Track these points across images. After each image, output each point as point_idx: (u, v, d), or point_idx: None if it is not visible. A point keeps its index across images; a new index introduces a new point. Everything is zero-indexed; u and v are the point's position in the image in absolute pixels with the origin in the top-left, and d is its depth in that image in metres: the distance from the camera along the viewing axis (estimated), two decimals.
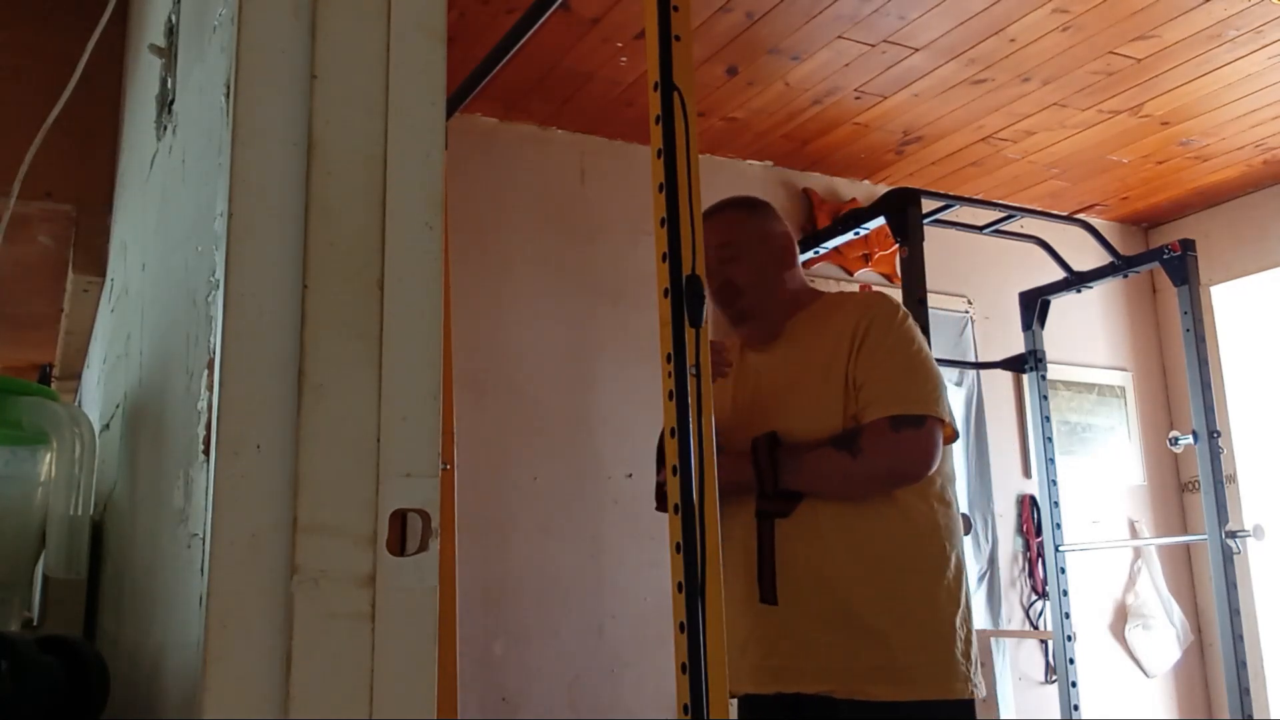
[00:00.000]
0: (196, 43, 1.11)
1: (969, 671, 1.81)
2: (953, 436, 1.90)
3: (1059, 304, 3.70)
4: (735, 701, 1.95)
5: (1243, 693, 2.98)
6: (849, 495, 1.83)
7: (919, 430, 1.80)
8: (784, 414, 1.91)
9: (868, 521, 1.83)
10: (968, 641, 1.84)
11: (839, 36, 3.11)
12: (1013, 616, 4.07)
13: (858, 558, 1.81)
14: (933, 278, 2.77)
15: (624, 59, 3.19)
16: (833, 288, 3.98)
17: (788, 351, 2.00)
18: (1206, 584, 4.21)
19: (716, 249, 1.99)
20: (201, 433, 0.84)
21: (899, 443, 1.80)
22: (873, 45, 3.16)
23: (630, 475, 3.48)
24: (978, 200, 3.84)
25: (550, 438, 3.43)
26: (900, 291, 2.79)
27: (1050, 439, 3.60)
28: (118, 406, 1.57)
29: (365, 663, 0.78)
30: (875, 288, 4.07)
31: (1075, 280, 3.53)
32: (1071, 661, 3.40)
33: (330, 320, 0.82)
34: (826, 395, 1.87)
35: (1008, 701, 3.83)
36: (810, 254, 3.37)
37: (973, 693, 1.81)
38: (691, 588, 1.38)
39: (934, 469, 1.83)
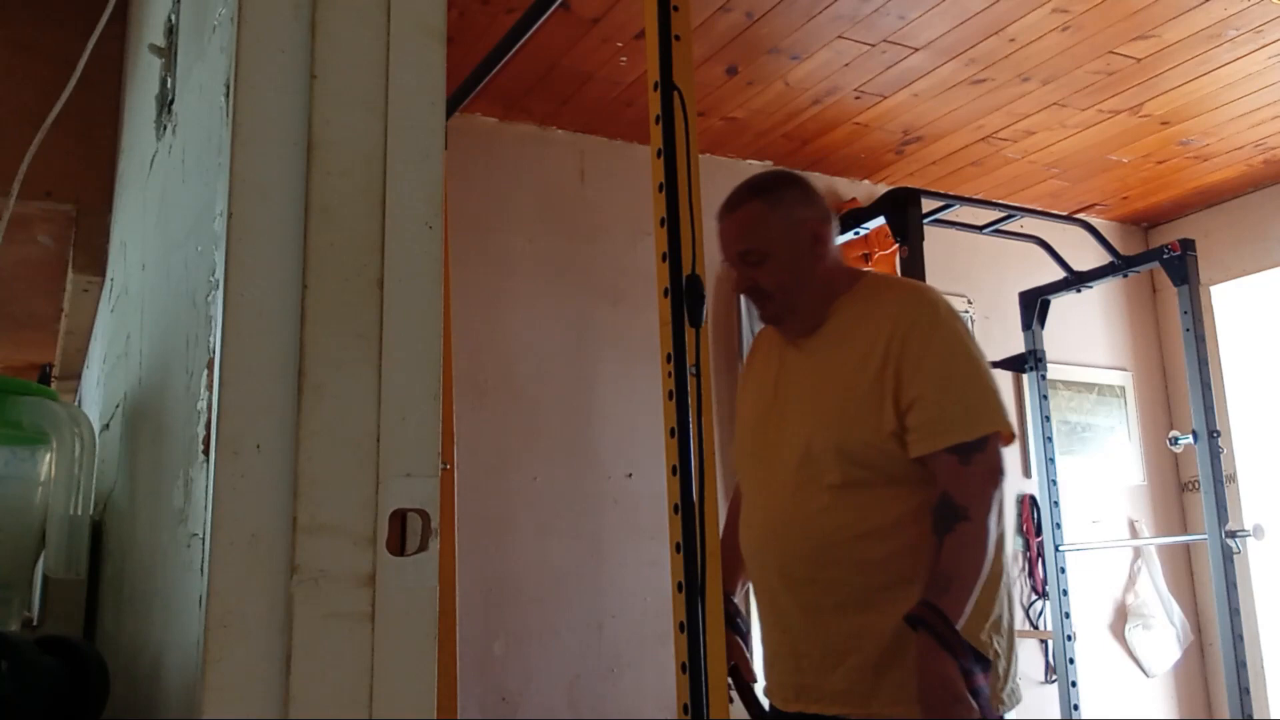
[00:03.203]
0: (196, 42, 1.11)
1: (999, 689, 1.75)
2: (1011, 439, 1.82)
3: (1059, 304, 3.70)
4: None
5: (1243, 693, 2.98)
6: (989, 554, 1.73)
7: (985, 453, 1.74)
8: (815, 423, 1.83)
9: (894, 540, 1.76)
10: (998, 655, 1.77)
11: (839, 36, 3.11)
12: None
13: (881, 573, 1.75)
14: (933, 278, 2.76)
15: (624, 59, 3.19)
16: None
17: (825, 352, 1.89)
18: (1206, 584, 4.21)
19: (739, 254, 1.90)
20: (201, 433, 0.84)
21: (977, 472, 1.73)
22: (873, 45, 3.16)
23: (630, 475, 3.48)
24: (978, 200, 3.84)
25: (550, 438, 3.43)
26: None
27: (1050, 439, 3.60)
28: (118, 406, 1.57)
29: (365, 663, 0.78)
30: None
31: (1075, 280, 3.53)
32: (1071, 661, 3.40)
33: (330, 320, 0.82)
34: (870, 411, 1.77)
35: None
36: None
37: (1001, 711, 1.75)
38: (691, 588, 1.38)
39: (1005, 472, 1.78)
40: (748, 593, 2.08)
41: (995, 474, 1.75)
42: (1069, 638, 3.42)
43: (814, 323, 1.91)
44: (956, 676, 1.59)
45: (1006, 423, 1.80)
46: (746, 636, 1.99)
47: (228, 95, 0.85)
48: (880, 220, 2.92)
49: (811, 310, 1.90)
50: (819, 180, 4.11)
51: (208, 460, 0.80)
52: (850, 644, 1.75)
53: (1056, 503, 3.55)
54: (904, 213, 2.78)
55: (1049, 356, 3.67)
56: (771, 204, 1.89)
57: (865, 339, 1.82)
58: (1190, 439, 3.18)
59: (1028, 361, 3.62)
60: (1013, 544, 4.15)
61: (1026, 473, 4.21)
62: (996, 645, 1.78)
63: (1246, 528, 3.11)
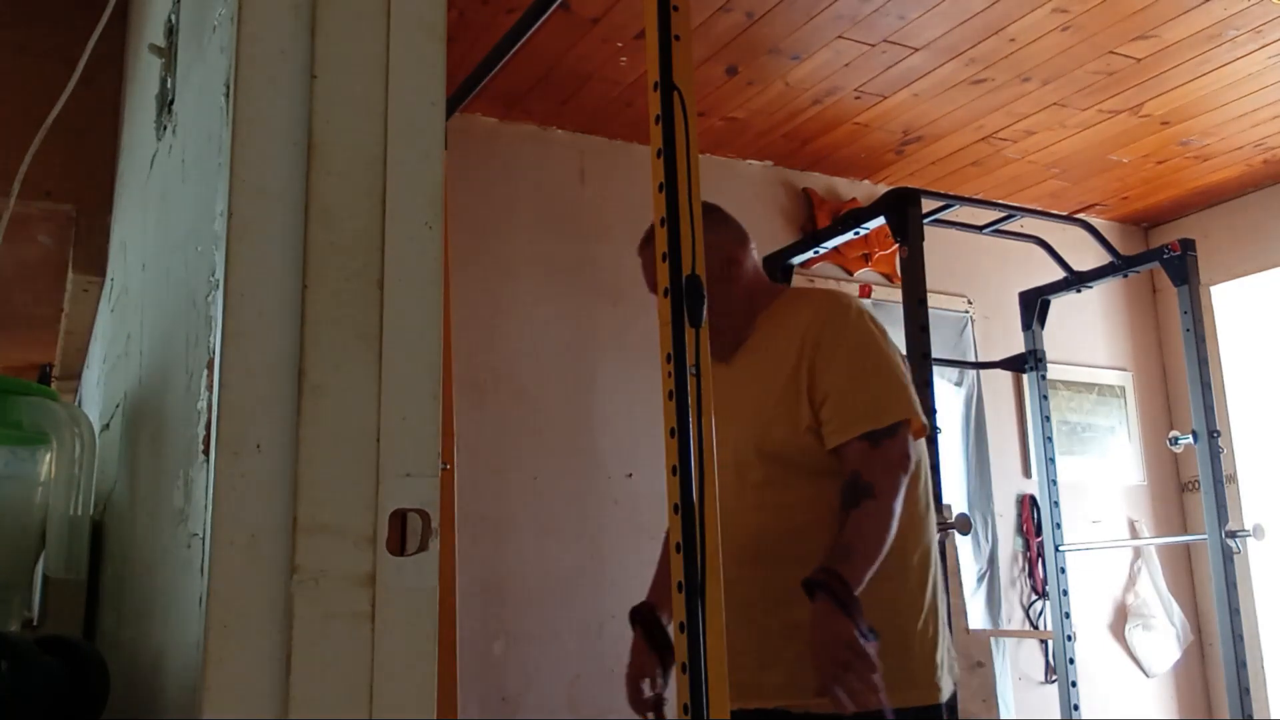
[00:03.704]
0: (196, 42, 1.11)
1: (935, 677, 1.80)
2: (922, 431, 1.88)
3: (1059, 304, 3.70)
4: None
5: (1243, 693, 2.98)
6: (892, 532, 1.76)
7: (895, 439, 1.80)
8: (739, 428, 1.89)
9: (819, 534, 1.78)
10: (933, 643, 1.82)
11: (839, 36, 3.11)
12: (1013, 616, 4.07)
13: (809, 568, 1.73)
14: (933, 278, 2.76)
15: (624, 59, 3.19)
16: (832, 287, 3.98)
17: (748, 364, 1.97)
18: (1206, 584, 4.21)
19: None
20: (201, 433, 0.84)
21: (886, 455, 1.78)
22: (873, 45, 3.16)
23: (630, 475, 3.48)
24: (978, 200, 3.84)
25: (550, 438, 3.42)
26: (900, 291, 2.79)
27: (1050, 439, 3.60)
28: (118, 406, 1.57)
29: (365, 663, 0.78)
30: (875, 287, 4.07)
31: (1075, 280, 3.53)
32: (1071, 661, 3.40)
33: (330, 320, 0.82)
34: (786, 409, 1.85)
35: (1008, 701, 3.83)
36: (810, 254, 3.36)
37: (939, 697, 1.79)
38: (691, 588, 1.38)
39: (913, 460, 1.83)
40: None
41: (904, 458, 1.80)
42: (1069, 638, 3.42)
43: (738, 340, 1.98)
44: (855, 637, 1.61)
45: (917, 414, 1.85)
46: (669, 652, 1.96)
47: (228, 95, 0.85)
48: (880, 220, 2.92)
49: (734, 330, 1.98)
50: (819, 180, 4.11)
51: (208, 460, 0.80)
52: (784, 640, 1.77)
53: (1056, 503, 3.55)
54: (904, 213, 2.78)
55: (1049, 356, 3.67)
56: None
57: (783, 345, 1.89)
58: (1190, 439, 3.18)
59: (1028, 361, 3.62)
60: (1013, 544, 4.15)
61: (1026, 473, 4.22)
62: (931, 633, 1.82)
63: (1246, 528, 3.11)
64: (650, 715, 1.91)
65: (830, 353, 1.85)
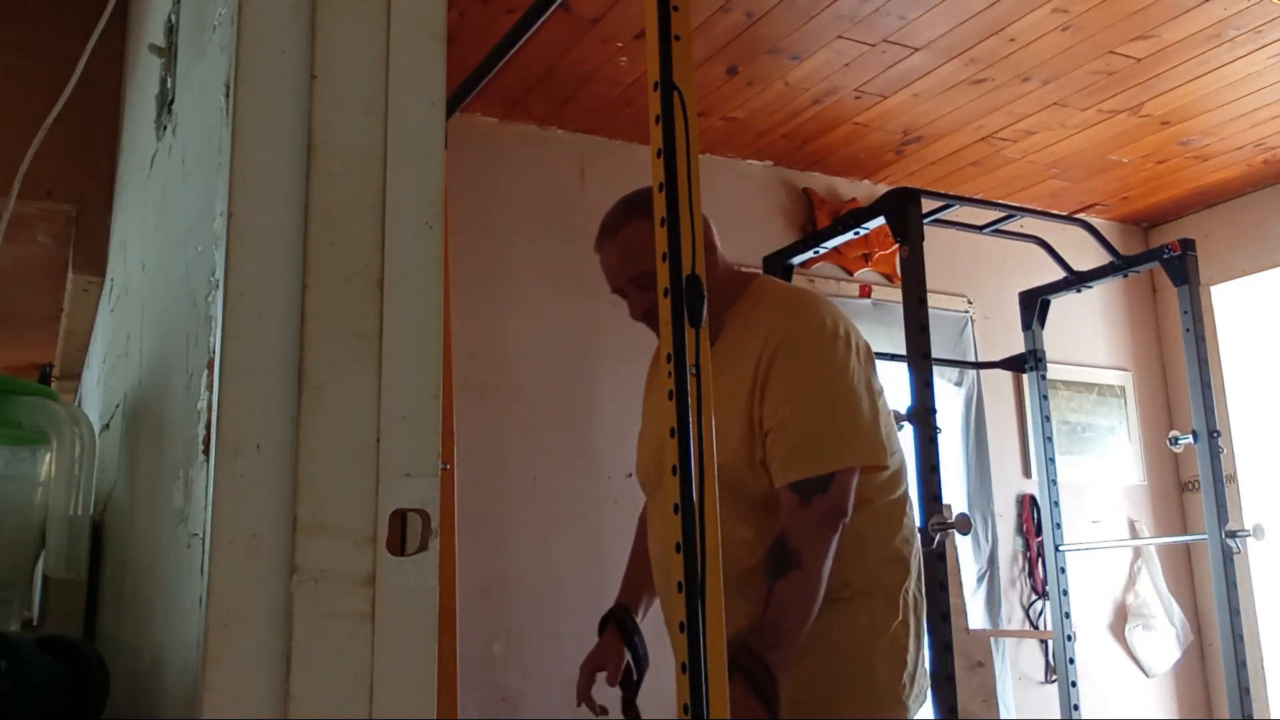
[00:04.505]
0: (196, 42, 1.11)
1: (904, 698, 1.74)
2: (878, 469, 1.73)
3: (1059, 304, 3.70)
4: None
5: (1243, 693, 2.98)
6: (819, 601, 1.66)
7: (828, 494, 1.66)
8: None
9: (757, 553, 1.70)
10: (900, 664, 1.75)
11: (839, 36, 3.10)
12: (1013, 616, 4.07)
13: (749, 584, 1.68)
14: (933, 278, 2.76)
15: (624, 59, 3.19)
16: (833, 288, 3.98)
17: (715, 372, 1.80)
18: (1206, 584, 4.21)
19: (633, 279, 1.81)
20: (201, 433, 0.84)
21: (815, 515, 1.65)
22: (873, 45, 3.16)
23: (630, 475, 3.47)
24: (978, 200, 3.83)
25: (550, 438, 3.42)
26: (900, 291, 2.79)
27: (1050, 439, 3.59)
28: (118, 406, 1.56)
29: (365, 663, 0.78)
30: (875, 287, 4.07)
31: (1075, 280, 3.53)
32: (1071, 661, 3.40)
33: (330, 320, 0.82)
34: (742, 438, 1.72)
35: (1007, 701, 3.83)
36: (810, 254, 3.36)
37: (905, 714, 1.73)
38: (691, 588, 1.38)
39: (849, 510, 1.70)
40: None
41: (834, 516, 1.67)
42: (1069, 638, 3.42)
43: (710, 337, 1.87)
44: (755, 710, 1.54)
45: (864, 455, 1.71)
46: (642, 657, 1.93)
47: (228, 95, 0.85)
48: (880, 220, 2.91)
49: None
50: (819, 180, 4.11)
51: (208, 460, 0.80)
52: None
53: (1056, 503, 3.55)
54: (904, 213, 2.78)
55: (1049, 356, 3.67)
56: (652, 219, 1.79)
57: (744, 358, 1.75)
58: (1190, 439, 3.18)
59: (1028, 361, 3.62)
60: (1013, 544, 4.15)
61: (1026, 472, 4.22)
62: (900, 654, 1.76)
63: (1246, 528, 3.11)
64: (598, 708, 1.85)
65: (780, 378, 1.70)
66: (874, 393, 1.78)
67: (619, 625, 1.96)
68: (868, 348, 1.85)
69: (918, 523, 2.31)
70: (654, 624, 3.08)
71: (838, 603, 1.73)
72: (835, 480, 1.67)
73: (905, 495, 1.87)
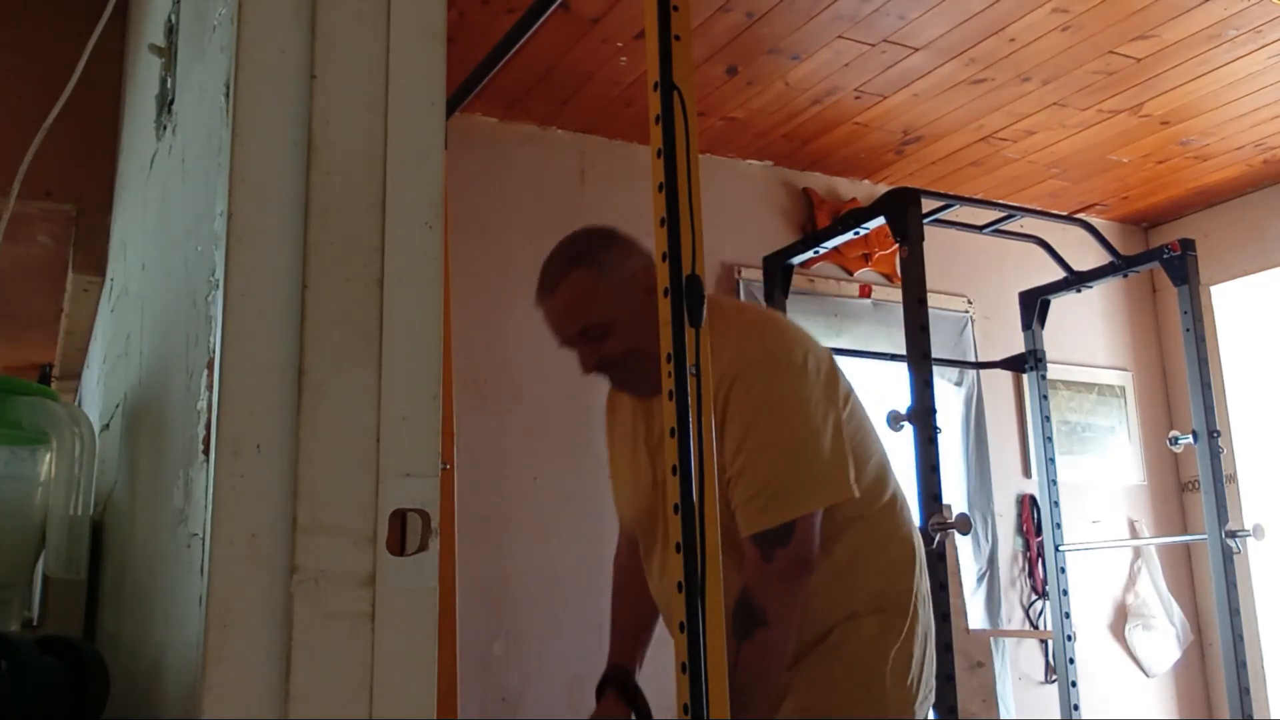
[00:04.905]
0: (196, 42, 1.11)
1: (913, 702, 1.72)
2: (845, 501, 1.67)
3: (1059, 304, 3.70)
4: None
5: (1243, 693, 2.98)
6: (789, 653, 1.64)
7: (789, 546, 1.60)
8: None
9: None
10: (907, 669, 1.72)
11: (839, 36, 3.10)
12: (1013, 616, 4.07)
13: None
14: (933, 278, 2.76)
15: (624, 59, 3.19)
16: (833, 288, 3.98)
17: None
18: (1206, 584, 4.21)
19: (579, 332, 1.74)
20: (201, 433, 0.84)
21: (778, 570, 1.60)
22: (873, 45, 3.16)
23: None
24: (978, 200, 3.83)
25: (550, 438, 3.42)
26: (900, 291, 2.79)
27: (1050, 439, 3.59)
28: (118, 406, 1.56)
29: (365, 663, 0.78)
30: (875, 287, 4.07)
31: (1075, 280, 3.53)
32: (1071, 661, 3.40)
33: (330, 320, 0.82)
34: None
35: (1008, 701, 3.83)
36: (810, 254, 3.36)
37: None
38: (691, 588, 1.38)
39: (815, 556, 1.65)
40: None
41: (798, 568, 1.62)
42: (1069, 638, 3.42)
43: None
44: None
45: (824, 496, 1.65)
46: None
47: (228, 95, 0.85)
48: (880, 220, 2.91)
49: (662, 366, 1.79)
50: (819, 180, 4.11)
51: (208, 460, 0.80)
52: None
53: (1056, 503, 3.55)
54: (904, 213, 2.78)
55: (1049, 356, 3.67)
56: (597, 269, 1.72)
57: (705, 399, 1.67)
58: (1190, 439, 3.18)
59: (1028, 361, 3.62)
60: (1013, 544, 4.15)
61: (1026, 472, 4.22)
62: (907, 663, 1.74)
63: (1246, 528, 3.11)
64: None
65: (734, 421, 1.61)
66: (837, 420, 1.70)
67: (620, 688, 1.87)
68: (830, 365, 1.77)
69: (916, 518, 2.30)
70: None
71: (848, 621, 1.72)
72: (796, 530, 1.61)
73: (895, 494, 1.83)
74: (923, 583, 1.83)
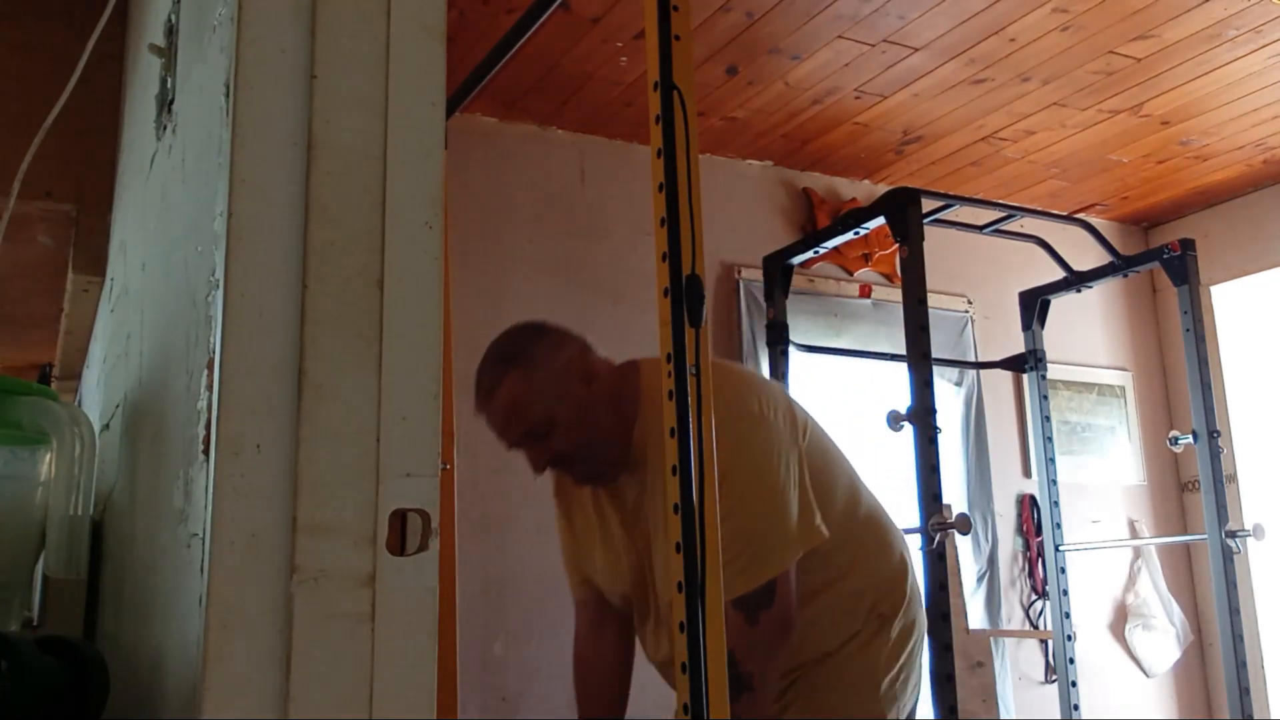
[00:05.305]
0: (196, 42, 1.11)
1: (902, 699, 1.76)
2: (819, 542, 1.67)
3: (1059, 304, 3.70)
4: None
5: (1243, 693, 2.98)
6: (771, 710, 1.65)
7: (773, 608, 1.61)
8: (658, 570, 1.70)
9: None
10: (896, 669, 1.77)
11: (839, 36, 3.10)
12: (1013, 616, 4.07)
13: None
14: (933, 278, 2.76)
15: (624, 59, 3.19)
16: (833, 288, 3.98)
17: (634, 486, 1.72)
18: (1206, 584, 4.21)
19: (524, 435, 1.73)
20: (201, 432, 0.84)
21: (763, 634, 1.61)
22: (873, 45, 3.16)
23: None
24: (978, 200, 3.83)
25: None
26: (900, 291, 2.79)
27: (1050, 439, 3.60)
28: (118, 406, 1.56)
29: (365, 663, 0.78)
30: (875, 287, 4.07)
31: (1075, 280, 3.53)
32: (1071, 661, 3.40)
33: (330, 320, 0.82)
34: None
35: (1007, 701, 3.83)
36: (810, 254, 3.36)
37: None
38: (691, 588, 1.38)
39: (796, 613, 1.66)
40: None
41: (785, 630, 1.63)
42: (1069, 638, 3.42)
43: (622, 459, 1.74)
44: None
45: (798, 549, 1.65)
46: None
47: (228, 95, 0.85)
48: (880, 220, 2.91)
49: (618, 452, 1.73)
50: (819, 180, 4.11)
51: (208, 460, 0.80)
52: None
53: (1056, 503, 3.55)
54: (904, 213, 2.78)
55: (1049, 356, 3.67)
56: (528, 369, 1.72)
57: (655, 473, 1.64)
58: (1190, 439, 3.18)
59: (1028, 361, 3.62)
60: (1013, 544, 4.15)
61: (1026, 472, 4.21)
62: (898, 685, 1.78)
63: (1246, 528, 3.11)
64: None
65: None
66: (800, 462, 1.69)
67: None
68: (785, 404, 1.76)
69: (916, 518, 2.30)
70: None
71: (848, 642, 1.76)
72: (777, 588, 1.62)
73: (870, 508, 1.84)
74: (914, 582, 1.86)
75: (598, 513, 1.85)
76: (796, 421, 1.77)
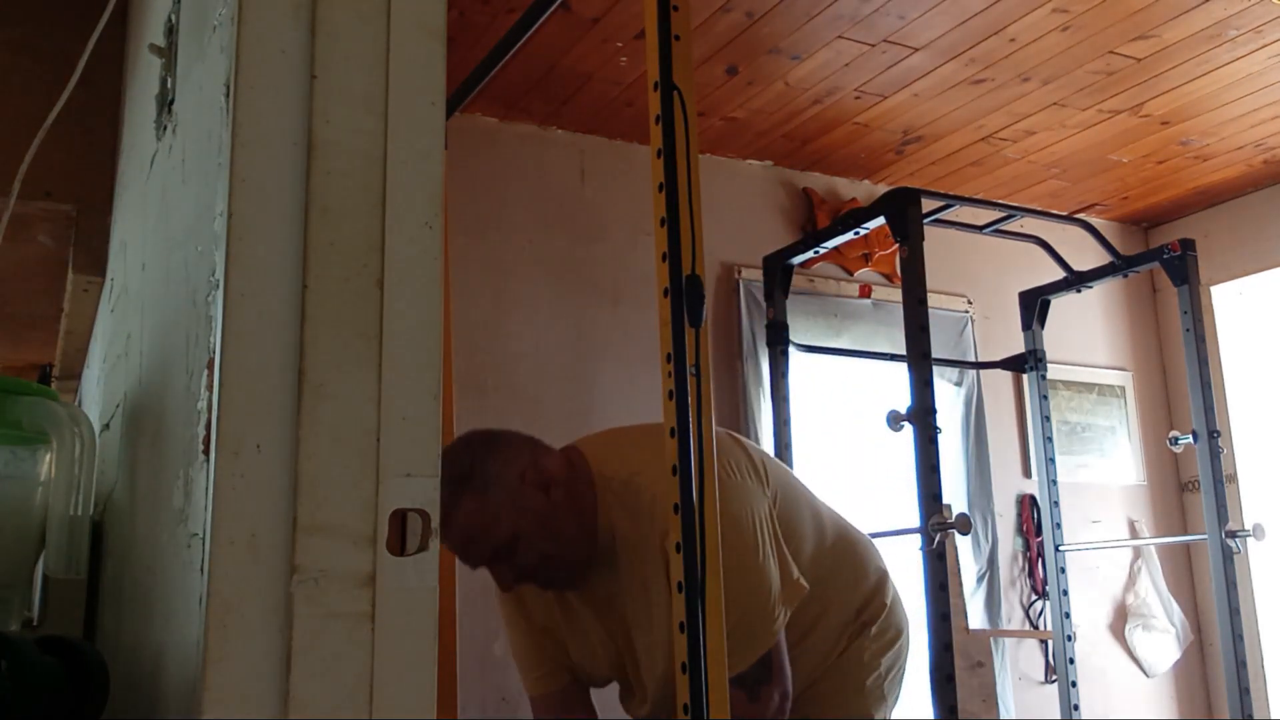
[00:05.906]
0: (196, 42, 1.11)
1: (889, 694, 1.81)
2: (801, 595, 1.67)
3: (1059, 304, 3.70)
4: None
5: (1243, 693, 2.98)
6: None
7: (771, 681, 1.61)
8: (645, 661, 1.70)
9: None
10: (883, 668, 1.82)
11: (839, 36, 3.10)
12: (1013, 616, 4.07)
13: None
14: (933, 278, 2.76)
15: (624, 59, 3.19)
16: (833, 288, 3.98)
17: (608, 581, 1.69)
18: (1206, 584, 4.21)
19: (490, 555, 1.67)
20: (201, 432, 0.84)
21: (772, 710, 1.61)
22: (873, 45, 3.16)
23: None
24: (978, 200, 3.84)
25: (550, 438, 3.41)
26: (900, 291, 2.79)
27: (1050, 439, 3.60)
28: (118, 406, 1.56)
29: (365, 663, 0.78)
30: (875, 287, 4.07)
31: (1075, 280, 3.53)
32: (1071, 661, 3.40)
33: (330, 320, 0.82)
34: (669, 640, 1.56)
35: (1007, 701, 3.83)
36: (810, 254, 3.37)
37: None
38: (691, 588, 1.38)
39: (790, 683, 1.66)
40: None
41: (785, 698, 1.63)
42: (1069, 638, 3.42)
43: (589, 557, 1.70)
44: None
45: (785, 614, 1.64)
46: None
47: (228, 95, 0.85)
48: (880, 220, 2.92)
49: (585, 550, 1.70)
50: (819, 180, 4.11)
51: (208, 460, 0.80)
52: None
53: (1056, 502, 3.55)
54: (904, 213, 2.78)
55: (1049, 356, 3.67)
56: (482, 488, 1.65)
57: (652, 554, 1.61)
58: (1190, 439, 3.18)
59: (1028, 361, 3.62)
60: (1013, 544, 4.15)
61: (1026, 473, 4.21)
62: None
63: (1246, 528, 3.11)
64: None
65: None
66: (772, 516, 1.68)
67: None
68: (746, 456, 1.75)
69: (916, 518, 2.31)
70: None
71: (831, 653, 1.80)
72: (772, 660, 1.62)
73: (834, 524, 1.86)
74: (895, 593, 1.90)
75: (562, 608, 1.81)
76: (759, 471, 1.75)
